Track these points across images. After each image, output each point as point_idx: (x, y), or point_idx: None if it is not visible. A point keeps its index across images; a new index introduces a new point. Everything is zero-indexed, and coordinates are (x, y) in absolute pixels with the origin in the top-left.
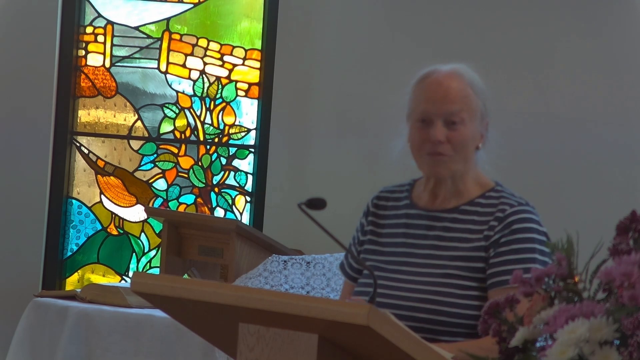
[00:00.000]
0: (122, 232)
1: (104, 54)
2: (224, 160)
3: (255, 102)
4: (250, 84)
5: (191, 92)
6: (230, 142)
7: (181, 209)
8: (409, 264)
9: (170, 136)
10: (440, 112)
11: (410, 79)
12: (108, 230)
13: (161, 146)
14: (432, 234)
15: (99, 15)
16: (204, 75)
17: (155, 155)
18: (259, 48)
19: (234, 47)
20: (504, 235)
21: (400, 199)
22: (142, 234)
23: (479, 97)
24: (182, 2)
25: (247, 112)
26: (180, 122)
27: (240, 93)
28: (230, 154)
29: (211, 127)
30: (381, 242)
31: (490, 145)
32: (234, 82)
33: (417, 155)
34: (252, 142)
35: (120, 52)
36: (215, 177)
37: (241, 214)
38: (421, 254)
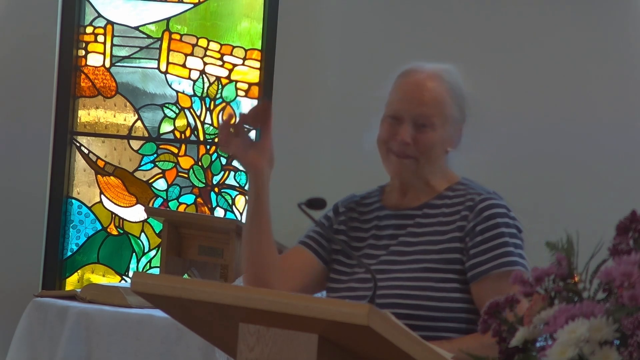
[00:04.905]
0: (122, 232)
1: (104, 54)
2: (224, 160)
3: (255, 102)
4: (250, 84)
5: (191, 92)
6: None
7: (181, 209)
8: (387, 262)
9: (170, 136)
10: (412, 113)
11: (393, 72)
12: (108, 230)
13: (161, 146)
14: (403, 232)
15: (99, 15)
16: (204, 75)
17: (155, 155)
18: (259, 48)
19: (234, 47)
20: (478, 223)
21: (369, 204)
22: (142, 234)
23: (456, 102)
24: (182, 2)
25: None
26: (180, 122)
27: (240, 93)
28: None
29: (211, 127)
30: (354, 247)
31: (465, 148)
32: (234, 82)
33: (382, 150)
34: None
35: (120, 52)
36: (215, 177)
37: (241, 214)
38: (396, 251)
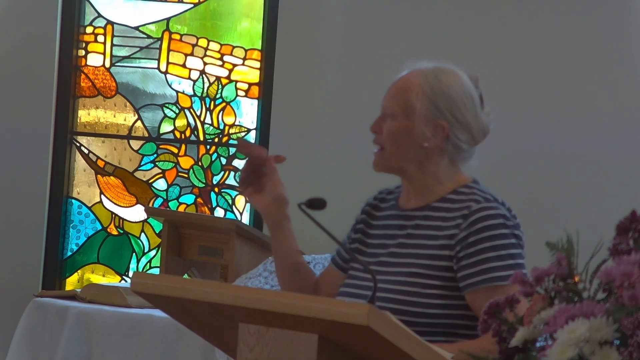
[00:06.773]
0: (122, 232)
1: (104, 54)
2: (224, 160)
3: (255, 102)
4: (250, 84)
5: (191, 92)
6: (230, 142)
7: (181, 209)
8: (383, 263)
9: (170, 136)
10: (382, 105)
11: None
12: (108, 230)
13: (161, 146)
14: (403, 232)
15: (99, 15)
16: (204, 75)
17: (155, 155)
18: (259, 48)
19: (234, 47)
20: (471, 234)
21: (389, 200)
22: (142, 234)
23: (429, 97)
24: (182, 2)
25: (247, 112)
26: (180, 122)
27: (240, 93)
28: (230, 153)
29: (211, 127)
30: (367, 243)
31: (463, 149)
32: (234, 82)
33: None
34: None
35: (120, 52)
36: (215, 177)
37: (241, 214)
38: (392, 253)
